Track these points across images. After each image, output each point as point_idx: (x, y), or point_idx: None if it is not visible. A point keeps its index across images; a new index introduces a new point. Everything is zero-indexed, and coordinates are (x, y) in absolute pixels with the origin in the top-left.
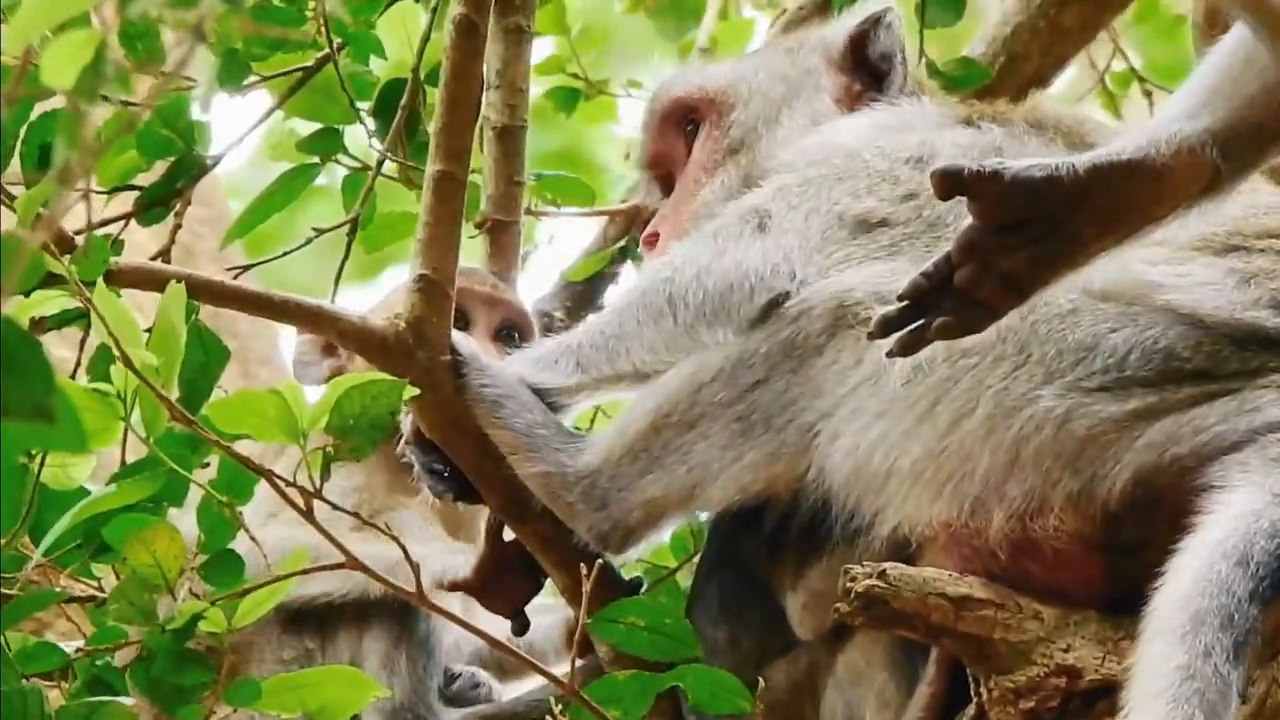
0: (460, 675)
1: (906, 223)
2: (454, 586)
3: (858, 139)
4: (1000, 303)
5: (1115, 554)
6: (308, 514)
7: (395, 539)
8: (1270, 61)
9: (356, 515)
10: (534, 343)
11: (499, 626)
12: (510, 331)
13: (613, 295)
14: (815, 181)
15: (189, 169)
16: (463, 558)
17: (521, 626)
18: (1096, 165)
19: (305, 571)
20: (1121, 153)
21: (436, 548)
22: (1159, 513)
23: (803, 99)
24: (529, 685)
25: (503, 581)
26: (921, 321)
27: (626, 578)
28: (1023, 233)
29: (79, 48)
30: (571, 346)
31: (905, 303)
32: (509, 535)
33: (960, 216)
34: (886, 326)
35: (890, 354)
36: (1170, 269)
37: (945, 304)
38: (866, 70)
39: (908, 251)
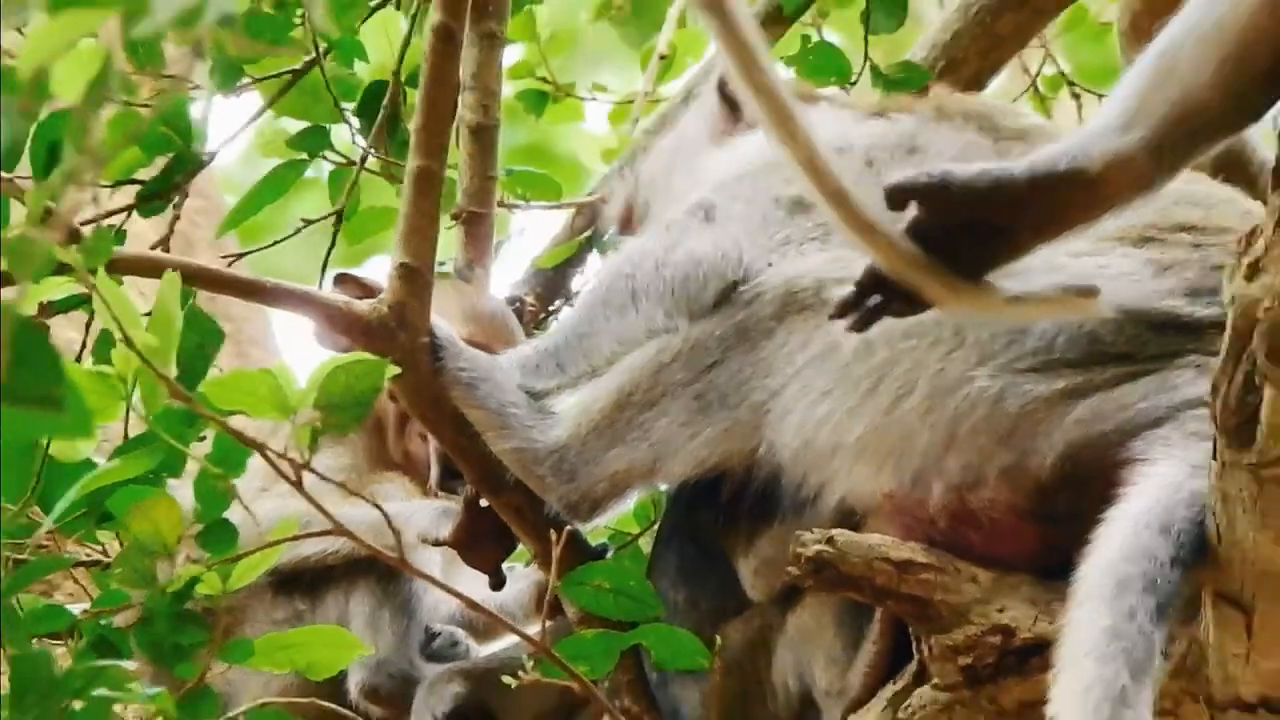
0: (440, 634)
1: None
2: (437, 542)
3: None
4: None
5: (1047, 523)
6: (297, 484)
7: (378, 506)
8: (1193, 66)
9: (343, 486)
10: (515, 348)
11: (475, 590)
12: None
13: (581, 286)
14: (750, 173)
15: (187, 164)
16: (445, 517)
17: (499, 583)
18: (1034, 176)
19: (295, 538)
20: (1057, 164)
21: (422, 505)
22: (1088, 485)
23: (700, 136)
24: (503, 644)
25: (480, 542)
26: (876, 301)
27: (593, 544)
28: (968, 231)
29: (87, 61)
30: (550, 350)
31: (859, 287)
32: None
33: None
34: (844, 308)
35: (849, 329)
36: (1092, 261)
37: (895, 287)
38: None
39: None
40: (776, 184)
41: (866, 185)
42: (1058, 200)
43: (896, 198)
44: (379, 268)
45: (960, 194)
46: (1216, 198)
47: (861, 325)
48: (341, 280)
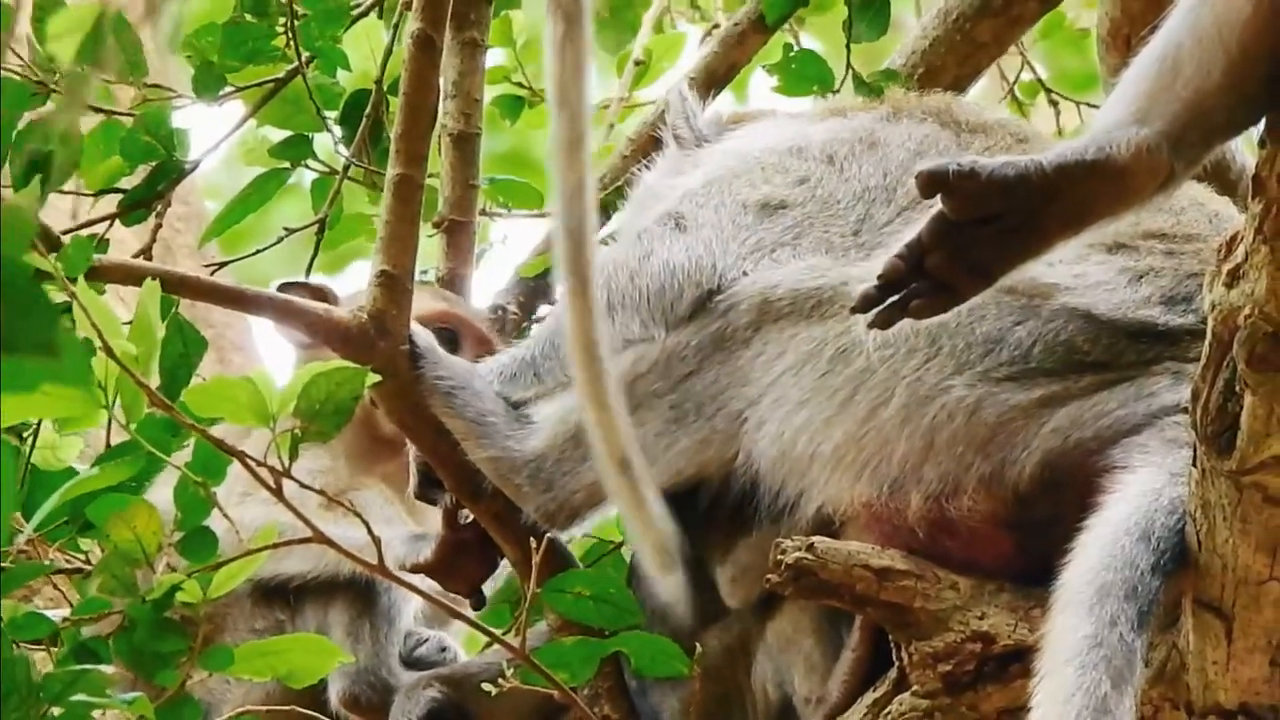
0: (428, 640)
1: (804, 203)
2: (416, 569)
3: (740, 146)
4: (966, 287)
5: (1026, 531)
6: (277, 492)
7: (359, 515)
8: (1199, 69)
9: (322, 493)
10: (494, 357)
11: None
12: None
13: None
14: (715, 181)
15: (169, 173)
16: (424, 542)
17: (479, 603)
18: (1063, 165)
19: (275, 545)
20: (1085, 153)
21: (400, 531)
22: (1066, 493)
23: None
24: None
25: (460, 562)
26: (896, 298)
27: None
28: (992, 226)
29: (80, 20)
30: (527, 360)
31: (882, 281)
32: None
33: (855, 197)
34: (867, 303)
35: (870, 326)
36: (1067, 269)
37: (917, 284)
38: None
39: (809, 233)
40: (742, 188)
41: (828, 181)
42: (1085, 190)
43: (927, 186)
44: (359, 275)
45: (988, 184)
46: (1183, 201)
47: (884, 322)
48: (288, 288)
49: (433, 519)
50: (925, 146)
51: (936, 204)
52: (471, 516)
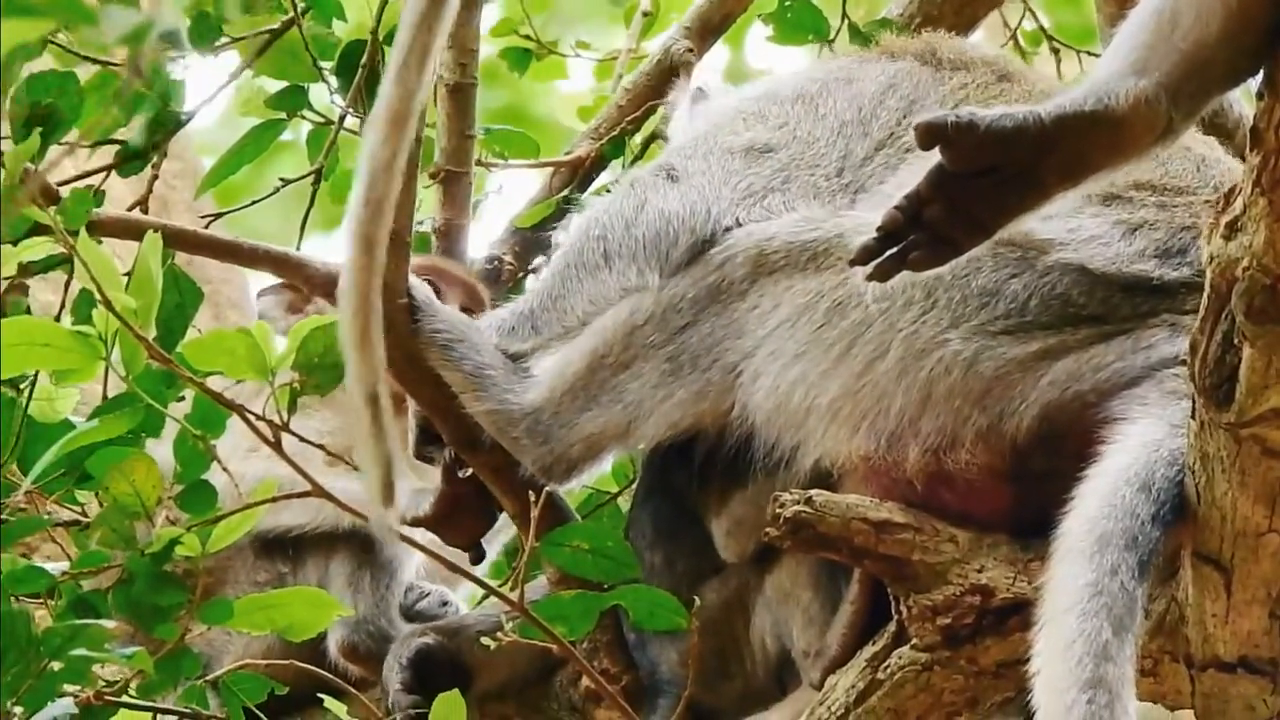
0: (429, 594)
1: (787, 145)
2: (415, 522)
3: (719, 104)
4: (965, 239)
5: (1024, 483)
6: (276, 445)
7: (358, 469)
8: (1198, 20)
9: (322, 447)
10: (490, 311)
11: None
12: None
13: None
14: (701, 136)
15: (165, 124)
16: (424, 496)
17: (478, 556)
18: (1061, 116)
19: (274, 500)
20: (1084, 104)
21: (400, 485)
22: (1064, 445)
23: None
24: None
25: (459, 517)
26: (895, 250)
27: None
28: (990, 177)
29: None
30: (524, 313)
31: (881, 233)
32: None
33: (833, 133)
34: (866, 254)
35: (869, 278)
36: (1061, 224)
37: (915, 236)
38: None
39: (796, 176)
40: (725, 137)
41: (806, 121)
42: (1084, 142)
43: (925, 137)
44: None
45: (986, 136)
46: (1169, 150)
47: (883, 274)
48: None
49: (434, 477)
50: (898, 80)
51: (934, 155)
52: (470, 471)
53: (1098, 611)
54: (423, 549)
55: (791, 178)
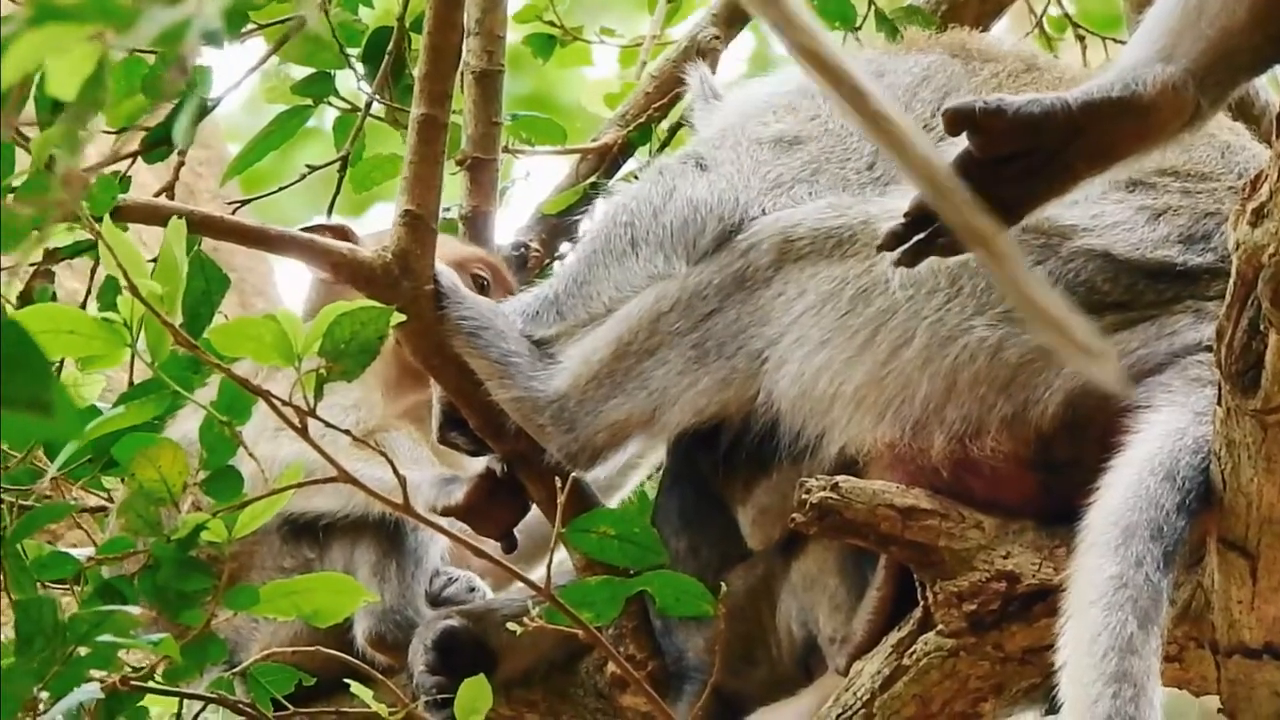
0: (457, 580)
1: (818, 138)
2: (446, 511)
3: (746, 94)
4: None
5: (1049, 471)
6: (302, 431)
7: (384, 455)
8: (1225, 6)
9: (348, 433)
10: (516, 296)
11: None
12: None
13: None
14: (730, 126)
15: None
16: (454, 485)
17: (510, 546)
18: (1089, 101)
19: (300, 485)
20: (1111, 90)
21: (429, 473)
22: (1089, 433)
23: None
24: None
25: (492, 507)
26: (922, 236)
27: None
28: (1018, 163)
29: (81, 60)
30: (550, 298)
31: (909, 219)
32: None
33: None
34: (894, 240)
35: (896, 264)
36: (1085, 210)
37: (942, 222)
38: None
39: (826, 169)
40: (754, 127)
41: (835, 113)
42: (1111, 128)
43: (953, 123)
44: (382, 217)
45: (1014, 121)
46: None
47: (910, 260)
48: (312, 230)
49: (459, 462)
50: (931, 72)
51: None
52: (507, 467)
53: (1123, 604)
54: (450, 535)
55: (821, 170)
